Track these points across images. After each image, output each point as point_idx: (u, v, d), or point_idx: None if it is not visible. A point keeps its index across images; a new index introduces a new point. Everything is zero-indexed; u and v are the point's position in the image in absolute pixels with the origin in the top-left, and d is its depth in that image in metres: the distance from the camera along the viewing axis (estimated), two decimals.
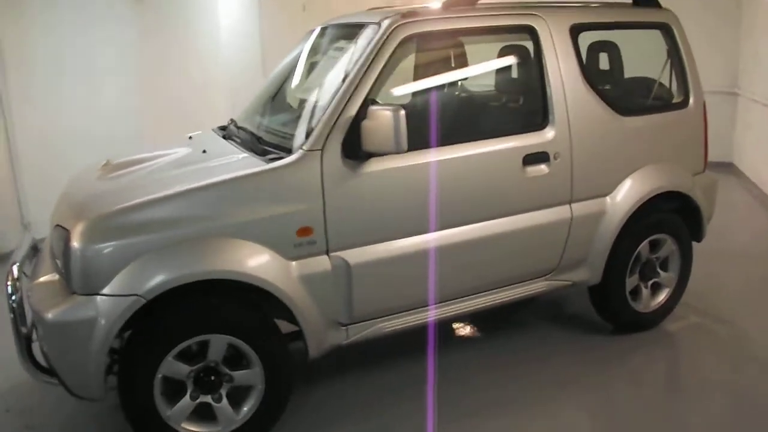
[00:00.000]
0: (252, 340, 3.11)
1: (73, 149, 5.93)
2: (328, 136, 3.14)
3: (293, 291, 3.11)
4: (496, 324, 4.40)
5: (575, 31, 3.74)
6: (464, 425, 3.39)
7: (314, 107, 3.32)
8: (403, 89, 3.74)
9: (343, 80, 3.23)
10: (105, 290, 2.89)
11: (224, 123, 4.19)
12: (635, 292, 4.10)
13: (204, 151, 3.58)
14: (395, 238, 3.32)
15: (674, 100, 4.15)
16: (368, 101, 3.19)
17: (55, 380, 3.10)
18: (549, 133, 3.60)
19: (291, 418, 3.43)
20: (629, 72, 4.25)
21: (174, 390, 3.10)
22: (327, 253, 3.19)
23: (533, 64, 3.68)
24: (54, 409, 3.67)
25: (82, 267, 2.91)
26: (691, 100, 4.11)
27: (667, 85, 4.19)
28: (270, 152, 3.28)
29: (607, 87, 4.06)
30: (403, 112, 3.00)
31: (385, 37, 3.27)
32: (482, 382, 3.74)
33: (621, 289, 3.99)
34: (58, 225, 3.17)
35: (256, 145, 3.45)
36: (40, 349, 3.16)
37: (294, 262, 3.13)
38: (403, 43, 3.30)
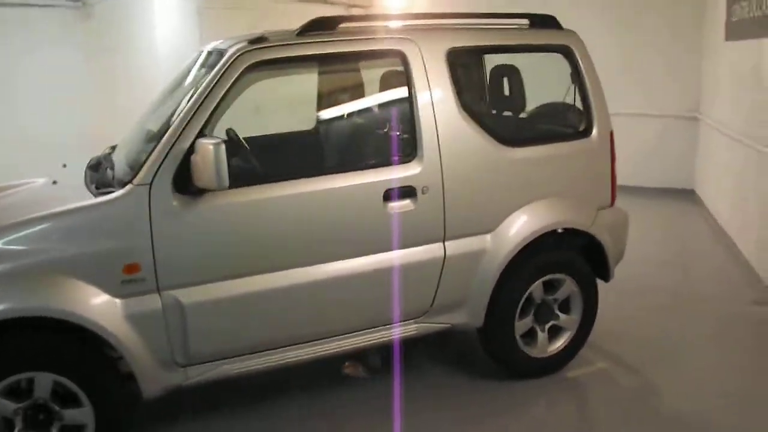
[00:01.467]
0: (79, 379, 3.02)
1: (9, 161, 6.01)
2: (158, 169, 3.03)
3: (118, 330, 3.01)
4: (390, 362, 4.12)
5: (453, 55, 3.52)
6: None
7: (149, 140, 3.22)
8: (251, 120, 3.58)
9: (180, 111, 3.12)
10: None
11: None
12: (530, 335, 3.80)
13: (54, 182, 3.54)
14: (234, 277, 3.18)
15: (577, 129, 3.84)
16: (201, 134, 3.07)
17: None
18: (416, 167, 3.39)
19: None
20: (543, 97, 3.98)
21: (4, 427, 3.04)
22: (158, 291, 3.08)
23: (403, 92, 3.47)
24: None
25: None
26: (594, 129, 3.80)
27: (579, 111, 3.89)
28: (110, 185, 3.19)
29: (504, 114, 3.80)
30: (223, 146, 2.88)
31: (227, 65, 3.15)
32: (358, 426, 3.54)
33: (509, 332, 3.70)
34: None
35: (106, 177, 3.37)
36: None
37: (120, 300, 3.03)
38: (247, 71, 3.17)
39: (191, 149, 3.02)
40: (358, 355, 4.14)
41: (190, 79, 3.55)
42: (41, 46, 6.55)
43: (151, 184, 3.02)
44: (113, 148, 3.92)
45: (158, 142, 3.09)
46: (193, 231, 3.09)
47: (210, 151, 2.89)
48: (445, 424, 3.54)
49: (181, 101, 3.29)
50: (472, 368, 4.03)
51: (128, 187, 3.04)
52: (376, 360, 4.12)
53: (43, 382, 2.99)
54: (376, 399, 3.72)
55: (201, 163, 2.93)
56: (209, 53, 3.59)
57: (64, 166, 3.92)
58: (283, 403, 3.73)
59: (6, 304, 2.89)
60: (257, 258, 3.20)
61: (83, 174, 3.58)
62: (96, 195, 3.11)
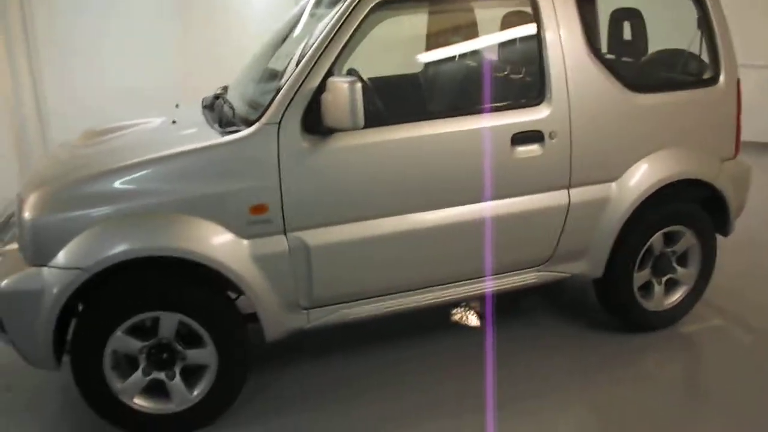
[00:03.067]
0: (203, 319, 3.00)
1: (104, 114, 5.90)
2: (286, 108, 2.94)
3: (245, 271, 2.96)
4: (498, 310, 4.06)
5: None
6: (444, 420, 3.17)
7: (275, 79, 3.12)
8: (379, 59, 3.44)
9: (308, 49, 3.00)
10: (51, 262, 2.85)
11: None
12: (646, 288, 3.69)
13: (174, 122, 3.46)
14: (361, 220, 3.11)
15: (704, 76, 3.66)
16: (330, 73, 2.96)
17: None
18: (544, 111, 3.25)
19: (249, 401, 3.31)
20: (662, 44, 3.80)
21: (128, 365, 3.05)
22: (284, 232, 3.01)
23: (530, 33, 3.31)
24: (37, 372, 3.64)
25: (31, 238, 2.89)
26: (722, 77, 3.62)
27: (702, 59, 3.70)
28: (235, 125, 3.11)
29: (624, 60, 3.63)
30: (359, 85, 2.77)
31: (354, 3, 3.01)
32: (474, 373, 3.47)
33: (628, 284, 3.60)
34: (18, 194, 3.14)
35: (226, 116, 3.28)
36: None
37: (247, 241, 2.98)
38: (375, 8, 3.03)
39: (321, 88, 2.91)
40: (467, 302, 4.09)
41: (308, 17, 3.43)
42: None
43: (279, 123, 2.94)
44: (225, 88, 3.83)
45: (284, 81, 2.99)
46: (321, 171, 3.01)
47: (344, 90, 2.78)
48: (555, 373, 3.48)
49: (305, 40, 3.17)
50: (583, 319, 3.96)
51: (256, 126, 2.95)
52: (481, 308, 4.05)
53: (168, 322, 2.98)
54: (482, 346, 3.66)
55: (333, 102, 2.83)
56: None
57: (177, 106, 3.83)
58: (387, 348, 3.72)
59: (132, 243, 2.87)
60: (383, 201, 3.11)
61: (200, 113, 3.50)
62: (222, 134, 3.03)
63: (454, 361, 3.59)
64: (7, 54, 5.59)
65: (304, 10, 3.65)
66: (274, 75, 3.28)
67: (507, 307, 4.05)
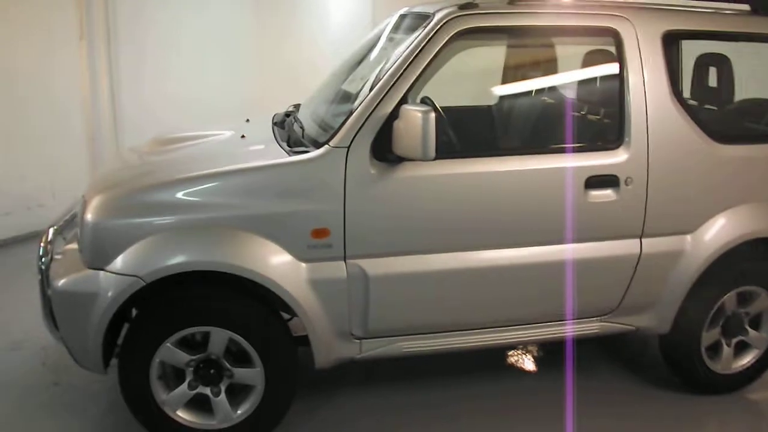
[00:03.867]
0: (255, 339, 2.93)
1: (173, 121, 5.98)
2: (357, 133, 2.86)
3: (300, 294, 2.88)
4: (552, 356, 3.90)
5: (669, 38, 3.18)
6: None
7: (347, 102, 3.05)
8: (454, 89, 3.32)
9: (384, 74, 2.92)
10: (109, 267, 2.82)
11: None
12: (714, 349, 3.47)
13: (242, 137, 3.41)
14: (423, 253, 2.99)
15: None
16: (404, 100, 2.87)
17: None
18: (622, 155, 3.09)
19: (292, 425, 3.21)
20: (748, 93, 3.60)
21: (174, 377, 3.00)
22: (344, 259, 2.92)
23: (613, 74, 3.16)
24: (84, 372, 3.64)
25: (91, 240, 2.87)
26: None
27: None
28: (303, 145, 3.05)
29: (707, 107, 3.44)
30: (433, 115, 2.66)
31: (435, 30, 2.92)
32: (524, 419, 3.33)
33: (694, 343, 3.38)
34: (83, 195, 3.13)
35: (297, 136, 3.23)
36: None
37: (305, 264, 2.89)
38: (455, 38, 2.93)
39: (393, 115, 2.82)
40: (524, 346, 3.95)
41: (385, 41, 3.35)
42: (210, 4, 6.55)
43: (348, 147, 2.85)
44: (297, 107, 3.78)
45: (356, 104, 2.91)
46: (387, 200, 2.91)
47: (418, 119, 2.67)
48: (614, 428, 3.29)
49: (381, 64, 3.09)
50: (644, 374, 3.74)
51: (324, 148, 2.88)
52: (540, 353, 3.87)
53: (219, 338, 2.91)
54: (539, 393, 3.51)
55: (405, 130, 2.73)
56: (404, 16, 3.38)
57: (247, 121, 3.80)
58: (434, 383, 3.59)
59: (190, 256, 2.82)
60: (448, 235, 2.99)
61: (270, 130, 3.45)
62: (290, 153, 2.96)
63: (507, 405, 3.44)
64: (89, 57, 5.69)
65: (381, 33, 3.59)
66: (347, 97, 3.21)
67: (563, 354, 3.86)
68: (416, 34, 2.98)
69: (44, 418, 3.34)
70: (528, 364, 3.87)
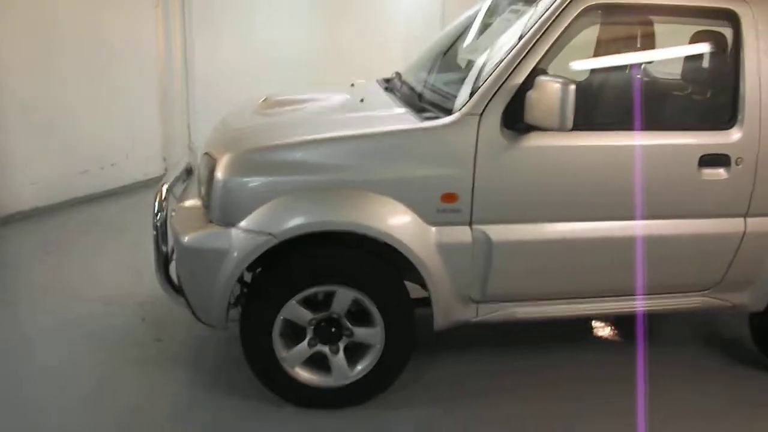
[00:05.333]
0: (378, 300, 2.90)
1: (246, 83, 5.88)
2: (489, 101, 2.82)
3: (429, 257, 2.85)
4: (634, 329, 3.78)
5: None
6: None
7: (480, 70, 2.99)
8: (578, 63, 3.26)
9: (514, 45, 2.87)
10: (241, 224, 2.78)
11: (396, 69, 3.93)
12: None
13: (362, 100, 3.35)
14: (547, 221, 2.97)
15: None
16: (537, 71, 2.84)
17: (184, 301, 3.04)
18: (734, 135, 3.06)
19: (402, 386, 3.15)
20: None
21: (294, 334, 2.96)
22: (470, 224, 2.89)
23: (728, 55, 3.14)
24: (186, 327, 3.63)
25: (222, 198, 2.82)
26: None
27: None
28: (427, 110, 2.99)
29: None
30: (573, 87, 2.63)
31: (565, 4, 2.87)
32: (612, 390, 3.28)
33: None
34: (206, 153, 3.05)
35: (415, 101, 3.20)
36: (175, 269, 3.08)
37: (434, 228, 2.86)
38: (584, 13, 2.89)
39: (525, 85, 2.78)
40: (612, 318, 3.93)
41: (507, 13, 3.28)
42: None
43: (481, 114, 2.81)
44: (398, 74, 3.71)
45: (487, 73, 2.85)
46: (515, 168, 2.87)
47: (556, 91, 2.63)
48: (704, 401, 3.26)
49: (505, 35, 3.03)
50: (731, 353, 3.67)
51: (457, 115, 2.83)
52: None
53: (344, 297, 2.88)
54: (630, 364, 3.46)
55: (540, 101, 2.69)
56: None
57: (352, 85, 3.72)
58: (534, 351, 3.57)
59: (325, 216, 2.79)
60: (572, 205, 2.97)
61: (385, 95, 3.38)
62: (421, 119, 2.90)
63: (602, 374, 3.41)
64: (164, 16, 5.57)
65: (481, 10, 3.53)
66: (470, 66, 3.14)
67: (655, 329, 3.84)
68: (545, 7, 2.92)
69: (154, 374, 3.29)
70: (613, 335, 3.87)
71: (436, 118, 2.89)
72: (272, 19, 6.31)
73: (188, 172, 3.59)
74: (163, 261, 3.12)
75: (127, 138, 5.53)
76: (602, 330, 3.92)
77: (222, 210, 2.81)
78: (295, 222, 2.74)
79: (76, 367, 3.30)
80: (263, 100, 3.53)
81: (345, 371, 2.97)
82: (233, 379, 3.21)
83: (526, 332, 3.70)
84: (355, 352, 3.00)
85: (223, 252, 2.77)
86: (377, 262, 2.90)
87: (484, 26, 3.49)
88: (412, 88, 3.38)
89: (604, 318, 3.92)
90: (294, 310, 2.87)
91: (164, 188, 3.20)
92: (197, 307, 2.95)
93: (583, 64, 3.30)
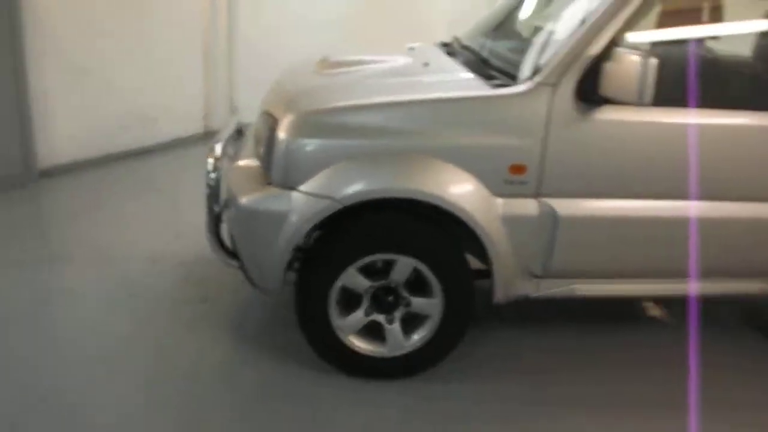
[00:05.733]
0: (439, 270, 2.80)
1: (290, 44, 5.79)
2: (564, 71, 2.68)
3: (493, 229, 2.74)
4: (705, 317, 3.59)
5: None
6: (640, 414, 2.92)
7: (551, 38, 2.87)
8: (653, 36, 3.10)
9: (591, 14, 2.72)
10: (302, 187, 2.68)
11: (440, 38, 3.78)
12: None
13: (426, 64, 3.21)
14: (616, 198, 2.84)
15: None
16: (614, 42, 2.68)
17: (236, 263, 2.98)
18: None
19: (453, 359, 3.04)
20: None
21: (349, 301, 2.87)
22: (536, 197, 2.78)
23: None
24: (232, 289, 3.56)
25: (284, 159, 2.72)
26: None
27: None
28: (495, 77, 2.86)
29: None
30: (654, 61, 2.49)
31: None
32: (662, 376, 3.17)
33: None
34: (266, 112, 2.93)
35: (481, 67, 3.06)
36: (228, 231, 2.99)
37: (499, 199, 2.75)
38: None
39: (602, 56, 2.63)
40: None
41: None
42: None
43: (555, 84, 2.67)
44: (456, 38, 3.57)
45: (562, 42, 2.71)
46: (586, 141, 2.75)
47: (637, 64, 2.50)
48: (740, 396, 3.11)
49: (572, 4, 2.91)
50: None
51: (530, 83, 2.70)
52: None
53: (403, 266, 2.79)
54: (675, 349, 3.32)
55: (618, 73, 2.56)
56: None
57: (411, 48, 3.56)
58: (585, 330, 3.46)
59: (390, 182, 2.69)
60: (645, 182, 2.84)
61: (449, 59, 3.24)
62: (492, 86, 2.77)
63: (653, 358, 3.30)
64: None
65: None
66: (536, 33, 3.01)
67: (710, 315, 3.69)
68: None
69: (201, 335, 3.22)
70: (665, 317, 3.74)
71: (505, 85, 2.76)
72: None
73: (239, 132, 3.48)
74: (215, 222, 3.04)
75: (169, 94, 5.40)
76: (654, 310, 3.79)
77: (283, 172, 2.71)
78: (359, 188, 2.64)
79: (123, 326, 3.24)
80: (321, 60, 3.40)
81: (400, 341, 2.89)
82: (282, 342, 3.15)
83: (579, 310, 3.61)
84: (410, 323, 2.91)
85: (283, 215, 2.67)
86: (439, 232, 2.79)
87: None
88: (476, 54, 3.24)
89: (658, 299, 3.79)
90: (352, 277, 2.78)
91: (218, 147, 3.09)
92: (252, 271, 2.86)
93: (656, 36, 3.14)
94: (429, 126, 2.70)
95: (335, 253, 2.77)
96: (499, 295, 2.90)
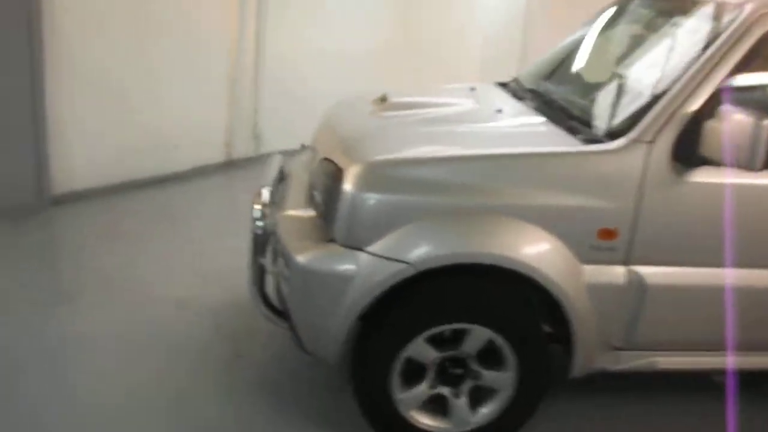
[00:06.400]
0: (516, 342, 2.49)
1: (314, 75, 5.63)
2: (661, 128, 2.40)
3: (579, 299, 2.45)
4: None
5: None
6: None
7: (640, 90, 2.56)
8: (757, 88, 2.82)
9: (689, 65, 2.45)
10: (371, 247, 2.37)
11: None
12: None
13: (499, 110, 2.91)
14: (712, 266, 2.55)
15: None
16: (716, 97, 2.41)
17: (285, 324, 2.66)
18: None
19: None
20: None
21: (412, 373, 2.54)
22: (624, 264, 2.48)
23: None
24: (266, 343, 3.22)
25: (350, 215, 2.40)
26: None
27: None
28: (576, 128, 2.60)
29: None
30: (767, 123, 2.19)
31: (747, 24, 2.45)
32: None
33: None
34: (327, 159, 2.60)
35: (558, 115, 2.77)
36: (276, 288, 2.71)
37: (586, 266, 2.45)
38: (764, 38, 2.45)
39: (700, 113, 2.36)
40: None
41: (667, 26, 2.84)
42: None
43: (651, 142, 2.39)
44: (515, 79, 3.28)
45: (656, 95, 2.44)
46: (682, 204, 2.47)
47: (749, 127, 2.22)
48: None
49: (671, 53, 2.62)
50: None
51: (624, 140, 2.42)
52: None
53: (478, 337, 2.47)
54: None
55: (725, 133, 2.27)
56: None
57: (473, 89, 3.26)
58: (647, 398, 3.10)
59: (470, 245, 2.39)
60: (746, 250, 2.53)
61: (521, 105, 2.94)
62: (580, 141, 2.48)
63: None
64: (239, 3, 5.04)
65: (620, 19, 3.09)
66: (616, 81, 2.73)
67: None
68: (722, 26, 2.49)
69: (234, 395, 2.88)
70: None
71: (596, 140, 2.48)
72: (345, 11, 5.91)
73: (282, 174, 3.17)
74: (260, 276, 2.72)
75: (190, 120, 5.01)
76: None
77: (348, 229, 2.39)
78: (439, 251, 2.35)
79: (150, 378, 2.90)
80: (379, 99, 3.08)
81: (465, 417, 2.57)
82: (327, 408, 2.82)
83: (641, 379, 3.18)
84: (474, 395, 2.58)
85: (348, 278, 2.36)
86: (518, 301, 2.50)
87: (632, 38, 3.05)
88: (547, 99, 2.95)
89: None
90: (420, 348, 2.46)
91: (265, 192, 2.78)
92: (307, 337, 2.54)
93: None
94: (514, 183, 2.41)
95: (404, 321, 2.45)
96: (577, 369, 2.59)
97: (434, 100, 3.07)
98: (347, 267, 2.36)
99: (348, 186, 2.39)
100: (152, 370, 2.97)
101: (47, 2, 4.08)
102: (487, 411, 2.58)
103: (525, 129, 2.78)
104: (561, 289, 2.40)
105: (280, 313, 2.73)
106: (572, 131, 2.60)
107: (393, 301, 2.43)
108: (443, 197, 2.38)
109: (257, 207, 2.73)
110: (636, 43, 3.04)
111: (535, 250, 2.39)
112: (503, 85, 3.43)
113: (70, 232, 4.31)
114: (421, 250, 2.33)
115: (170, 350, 3.11)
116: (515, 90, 3.27)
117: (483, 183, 2.40)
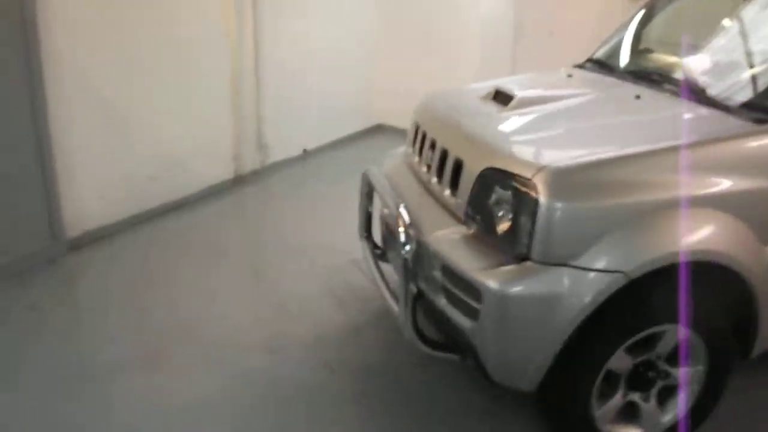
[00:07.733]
0: (709, 335, 2.32)
1: (314, 76, 5.30)
2: None
3: (765, 281, 2.31)
4: None
5: None
6: None
7: None
8: None
9: None
10: (578, 261, 2.11)
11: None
12: None
13: (637, 96, 2.70)
14: None
15: None
16: None
17: (448, 356, 2.40)
18: None
19: None
20: None
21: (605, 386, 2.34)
22: None
23: None
24: (393, 378, 2.81)
25: (549, 228, 2.12)
26: None
27: None
28: (733, 110, 2.46)
29: None
30: None
31: None
32: None
33: None
34: (493, 168, 2.25)
35: (700, 94, 2.61)
36: (427, 315, 2.44)
37: (766, 248, 2.34)
38: None
39: None
40: None
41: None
42: None
43: None
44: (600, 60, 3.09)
45: None
46: None
47: None
48: None
49: None
50: None
51: None
52: None
53: (672, 336, 2.29)
54: None
55: None
56: None
57: (570, 76, 2.99)
58: None
59: (675, 246, 2.14)
60: None
61: (652, 90, 2.73)
62: (749, 121, 2.35)
63: None
64: (236, 9, 4.49)
65: None
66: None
67: None
68: None
69: (322, 408, 2.56)
70: None
71: (762, 119, 2.34)
72: (340, 20, 5.56)
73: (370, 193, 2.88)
74: (413, 306, 2.38)
75: (196, 135, 4.40)
76: None
77: (548, 244, 2.11)
78: (654, 254, 2.12)
79: None
80: (491, 95, 2.77)
81: (656, 420, 2.40)
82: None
83: None
84: (662, 396, 2.39)
85: (556, 299, 2.09)
86: (711, 293, 2.30)
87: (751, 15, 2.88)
88: (668, 78, 2.77)
89: None
90: (620, 358, 2.25)
91: (404, 211, 2.42)
92: (500, 366, 2.25)
93: None
94: (703, 173, 2.21)
95: (609, 333, 2.21)
96: (757, 351, 2.48)
97: (560, 92, 2.82)
98: (554, 286, 2.09)
99: (543, 199, 2.10)
100: (275, 427, 2.53)
101: (45, 41, 3.38)
102: (675, 410, 2.39)
103: (683, 115, 2.58)
104: (753, 273, 2.26)
105: (439, 344, 2.42)
106: (729, 112, 2.46)
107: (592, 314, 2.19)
108: (635, 197, 2.14)
109: (401, 230, 2.38)
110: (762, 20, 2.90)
111: (735, 240, 2.24)
112: (581, 67, 3.21)
113: (101, 279, 3.54)
114: (635, 256, 2.10)
115: (286, 401, 2.64)
116: (615, 71, 3.06)
117: (671, 177, 2.19)
